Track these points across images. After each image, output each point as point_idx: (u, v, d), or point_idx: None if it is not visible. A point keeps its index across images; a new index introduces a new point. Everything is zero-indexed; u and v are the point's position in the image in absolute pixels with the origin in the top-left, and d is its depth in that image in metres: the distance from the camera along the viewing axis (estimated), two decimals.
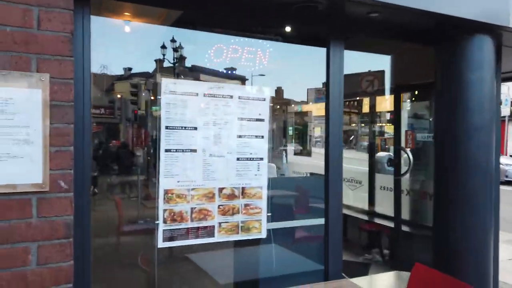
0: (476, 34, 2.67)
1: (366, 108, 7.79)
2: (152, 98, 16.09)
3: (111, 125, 17.67)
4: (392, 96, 4.98)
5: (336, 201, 2.55)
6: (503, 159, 14.38)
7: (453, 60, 2.72)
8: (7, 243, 1.50)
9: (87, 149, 1.87)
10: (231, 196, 2.32)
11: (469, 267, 2.74)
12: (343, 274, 2.55)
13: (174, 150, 2.18)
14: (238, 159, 2.33)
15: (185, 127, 2.20)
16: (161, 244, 2.17)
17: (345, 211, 4.85)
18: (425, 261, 2.44)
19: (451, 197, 2.79)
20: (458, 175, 2.75)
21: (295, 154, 9.37)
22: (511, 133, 21.01)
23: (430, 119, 4.73)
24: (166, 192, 2.17)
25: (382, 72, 5.16)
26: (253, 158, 2.37)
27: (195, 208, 2.22)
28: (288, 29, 2.60)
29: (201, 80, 2.45)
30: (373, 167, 5.96)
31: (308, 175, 7.33)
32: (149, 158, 11.88)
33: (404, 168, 4.95)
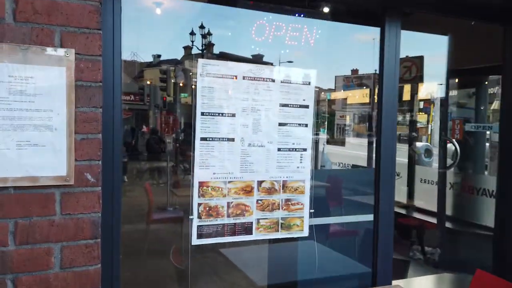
0: None
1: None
2: (181, 84, 16.18)
3: (140, 112, 17.91)
4: (425, 84, 4.68)
5: (388, 196, 2.31)
6: None
7: None
8: (28, 243, 1.34)
9: (117, 137, 1.66)
10: (271, 190, 2.12)
11: None
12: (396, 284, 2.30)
13: (210, 139, 1.99)
14: (279, 149, 2.12)
15: (222, 114, 1.99)
16: (195, 241, 2.00)
17: None
18: (474, 262, 2.18)
19: None
20: None
21: (327, 143, 9.10)
22: None
23: (479, 108, 4.41)
24: (201, 184, 1.99)
25: (421, 57, 4.87)
26: (295, 148, 2.16)
27: (231, 202, 2.04)
28: (337, 5, 2.33)
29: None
30: (413, 158, 5.67)
31: (349, 167, 7.07)
32: (177, 145, 11.95)
33: (448, 161, 4.70)
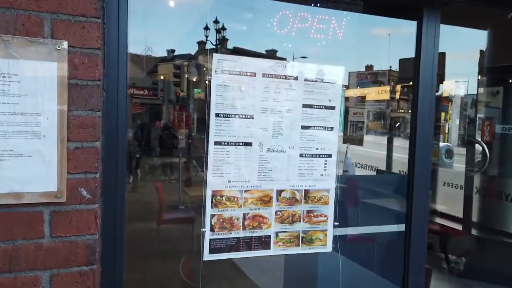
0: None
1: None
2: (194, 80, 16.13)
3: (153, 106, 17.90)
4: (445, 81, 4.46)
5: (422, 202, 2.10)
6: None
7: None
8: (10, 271, 1.14)
9: (122, 146, 1.44)
10: (292, 201, 1.92)
11: None
12: None
13: (226, 143, 1.80)
14: (301, 155, 1.92)
15: (239, 115, 1.79)
16: (207, 256, 1.82)
17: None
18: (504, 271, 1.96)
19: None
20: None
21: (343, 142, 8.82)
22: None
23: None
24: (214, 193, 1.81)
25: (443, 54, 4.62)
26: (319, 154, 1.96)
27: (248, 214, 1.85)
28: None
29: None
30: (434, 159, 5.45)
31: (368, 168, 6.80)
32: (190, 141, 11.91)
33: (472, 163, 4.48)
